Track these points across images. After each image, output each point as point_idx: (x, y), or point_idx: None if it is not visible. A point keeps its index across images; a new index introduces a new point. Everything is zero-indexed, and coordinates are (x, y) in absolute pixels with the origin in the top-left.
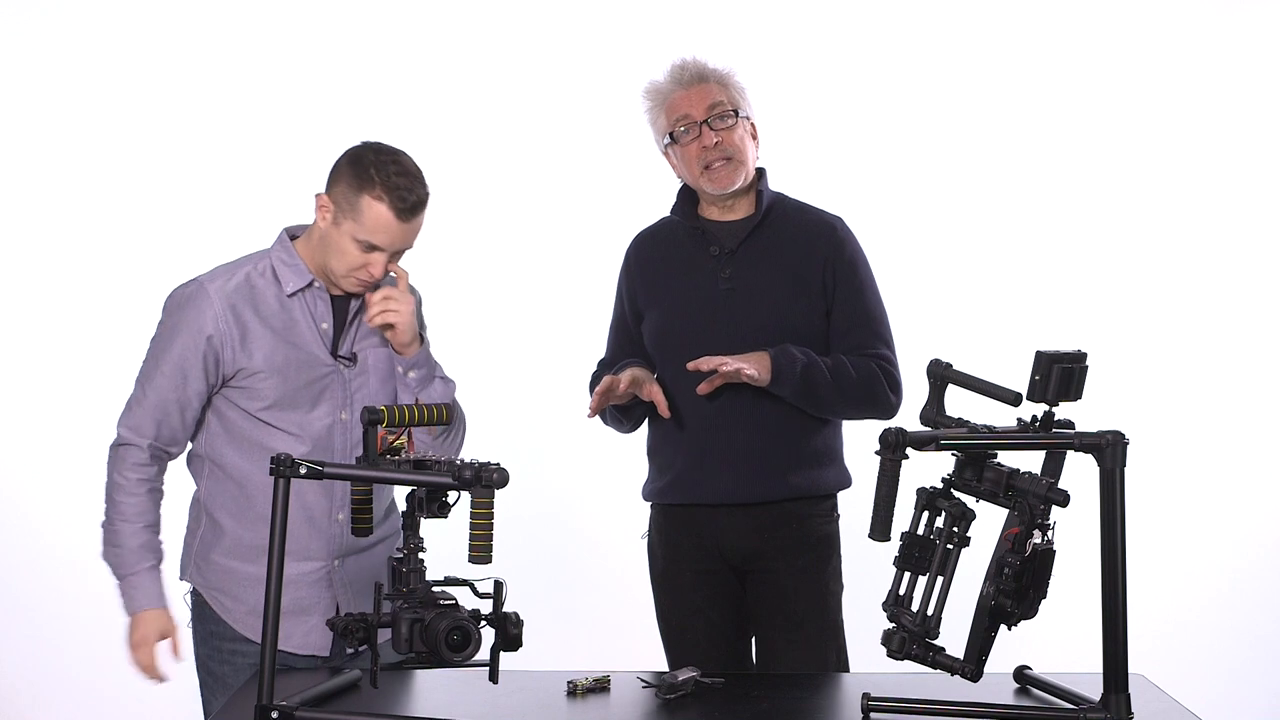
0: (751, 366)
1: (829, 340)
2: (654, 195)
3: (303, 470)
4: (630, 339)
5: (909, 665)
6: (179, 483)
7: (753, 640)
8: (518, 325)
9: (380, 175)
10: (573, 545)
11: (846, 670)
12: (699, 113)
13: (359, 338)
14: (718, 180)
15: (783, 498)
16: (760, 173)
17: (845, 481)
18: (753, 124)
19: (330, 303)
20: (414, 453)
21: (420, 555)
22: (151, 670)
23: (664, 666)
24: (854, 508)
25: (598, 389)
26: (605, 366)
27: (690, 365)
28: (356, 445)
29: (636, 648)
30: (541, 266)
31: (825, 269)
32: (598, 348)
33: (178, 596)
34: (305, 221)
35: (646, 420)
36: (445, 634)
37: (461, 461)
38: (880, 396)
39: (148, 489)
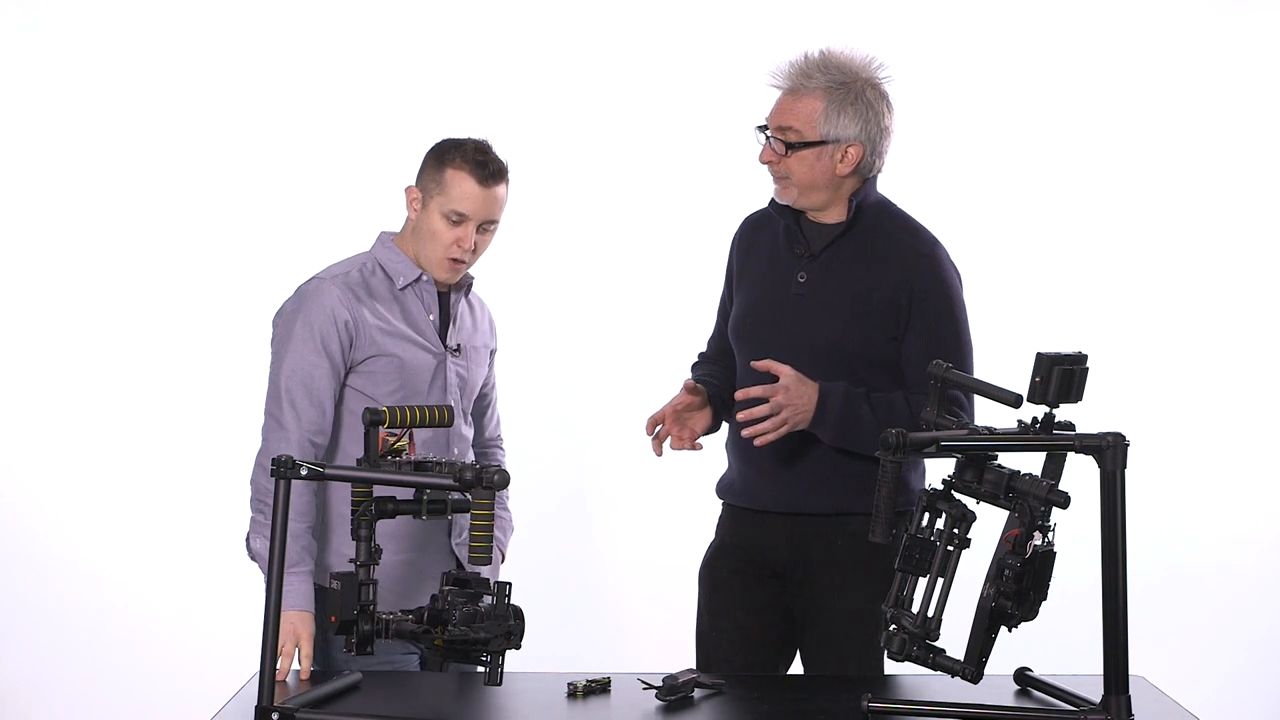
0: (790, 420)
1: (901, 367)
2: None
3: (304, 472)
4: (727, 320)
5: (909, 667)
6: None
7: (796, 650)
8: (514, 325)
9: (460, 150)
10: (573, 546)
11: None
12: (771, 124)
13: (460, 332)
14: (775, 186)
15: (829, 511)
16: (864, 181)
17: None
18: (837, 150)
19: (436, 296)
20: (414, 454)
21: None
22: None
23: (663, 668)
24: None
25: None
26: (708, 347)
27: (758, 365)
28: (460, 436)
29: (637, 649)
30: (541, 266)
31: (899, 292)
32: (611, 350)
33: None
34: (312, 235)
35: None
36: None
37: (462, 463)
38: None
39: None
